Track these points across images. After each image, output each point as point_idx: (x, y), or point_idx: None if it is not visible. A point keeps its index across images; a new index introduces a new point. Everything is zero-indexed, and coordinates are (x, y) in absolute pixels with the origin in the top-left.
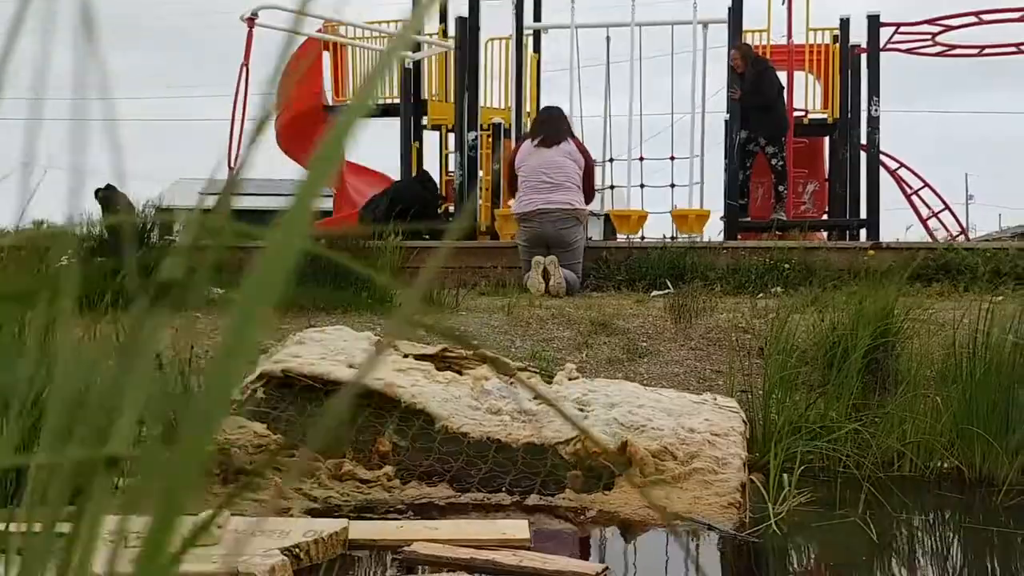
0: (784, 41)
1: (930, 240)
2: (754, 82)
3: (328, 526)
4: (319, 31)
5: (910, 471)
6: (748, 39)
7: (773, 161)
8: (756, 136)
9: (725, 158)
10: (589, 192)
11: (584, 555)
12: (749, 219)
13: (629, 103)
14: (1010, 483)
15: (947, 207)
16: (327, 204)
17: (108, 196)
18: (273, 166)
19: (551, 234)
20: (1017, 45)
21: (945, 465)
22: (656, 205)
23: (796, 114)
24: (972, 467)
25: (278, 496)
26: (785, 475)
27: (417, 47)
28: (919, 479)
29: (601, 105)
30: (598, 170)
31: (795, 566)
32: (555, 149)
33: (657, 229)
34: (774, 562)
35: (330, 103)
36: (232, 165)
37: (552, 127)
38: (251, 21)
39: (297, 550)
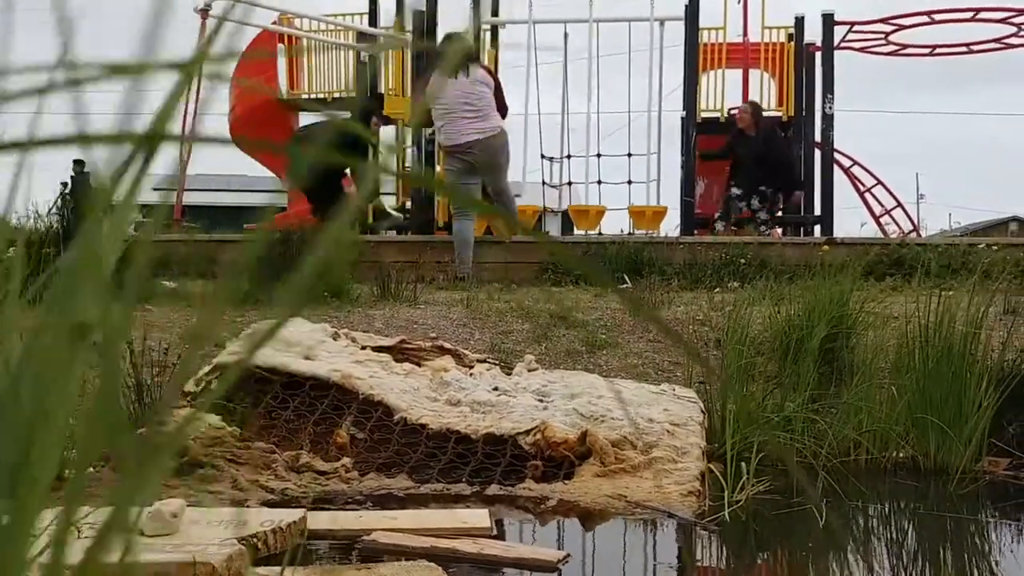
0: (740, 39)
1: (883, 236)
2: (765, 141)
3: (286, 516)
4: (273, 23)
5: (866, 460)
6: (704, 37)
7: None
8: (752, 193)
9: (681, 155)
10: (503, 108)
11: (545, 544)
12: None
13: (587, 100)
14: (963, 471)
15: (900, 205)
16: (283, 200)
17: (77, 179)
18: (228, 161)
19: (484, 162)
20: (968, 45)
21: (900, 454)
22: (613, 201)
23: None
24: (927, 455)
25: (235, 488)
26: (743, 464)
27: (373, 40)
28: (875, 468)
29: (559, 101)
30: (556, 166)
31: (753, 552)
32: (468, 79)
33: (614, 225)
34: (732, 548)
35: (284, 96)
36: (184, 158)
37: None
38: (204, 13)
39: (255, 540)
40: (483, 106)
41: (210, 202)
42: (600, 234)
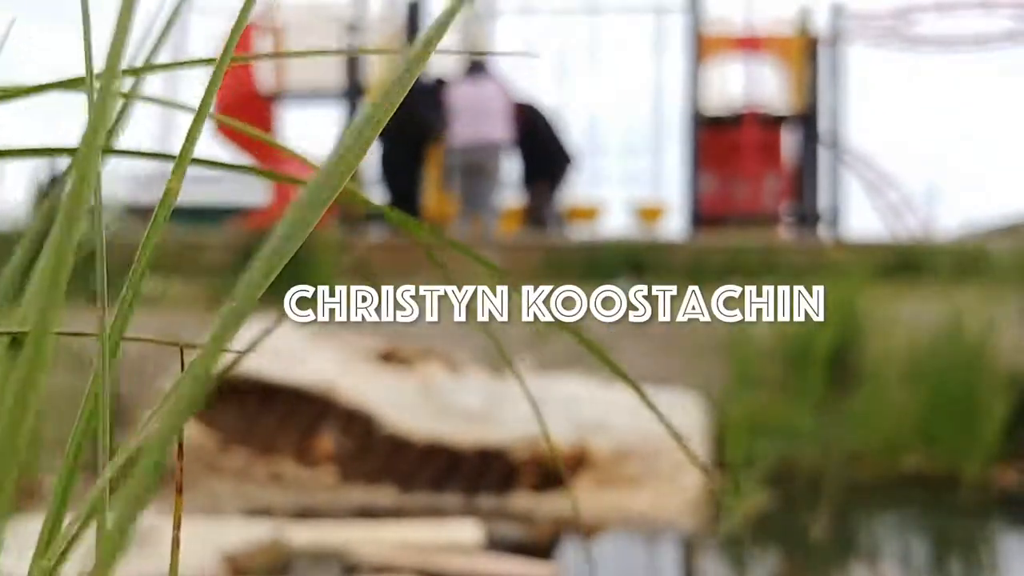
0: (746, 30)
1: (893, 235)
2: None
3: (267, 529)
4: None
5: (873, 470)
6: (709, 28)
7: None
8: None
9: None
10: (519, 121)
11: (537, 558)
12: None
13: (586, 94)
14: (975, 480)
15: (910, 203)
16: (266, 196)
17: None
18: (210, 154)
19: (480, 162)
20: (979, 39)
21: (909, 464)
22: (614, 199)
23: (752, 107)
24: (937, 466)
25: (212, 499)
26: (746, 473)
27: (361, 30)
28: (883, 478)
29: (556, 95)
30: None
31: (756, 564)
32: (486, 84)
33: (615, 223)
34: (733, 562)
35: (267, 89)
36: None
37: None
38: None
39: (234, 553)
40: (494, 110)
41: (189, 201)
42: (600, 233)
